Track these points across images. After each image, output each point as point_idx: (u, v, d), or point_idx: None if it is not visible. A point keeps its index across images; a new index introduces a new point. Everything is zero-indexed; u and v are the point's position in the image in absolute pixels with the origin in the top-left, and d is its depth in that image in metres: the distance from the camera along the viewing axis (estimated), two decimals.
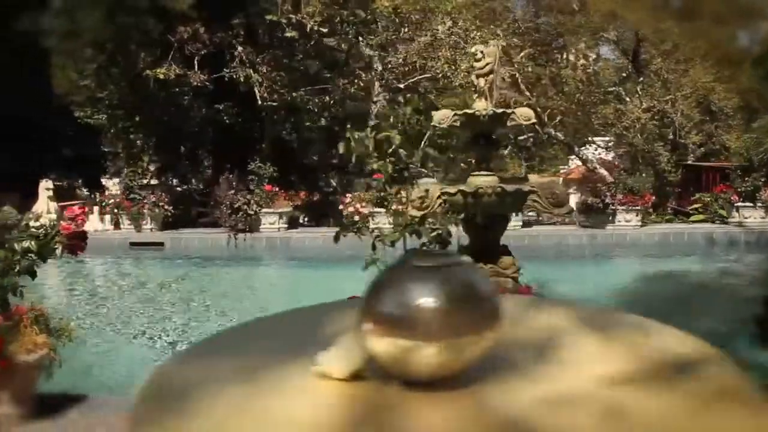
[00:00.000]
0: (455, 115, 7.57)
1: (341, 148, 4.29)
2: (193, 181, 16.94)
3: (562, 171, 25.19)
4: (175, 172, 16.31)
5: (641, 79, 18.82)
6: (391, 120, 4.31)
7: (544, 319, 1.57)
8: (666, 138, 18.52)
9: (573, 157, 21.73)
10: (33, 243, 4.48)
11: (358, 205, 11.40)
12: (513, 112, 7.51)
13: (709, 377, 1.24)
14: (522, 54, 16.99)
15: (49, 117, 14.94)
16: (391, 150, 4.30)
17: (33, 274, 4.65)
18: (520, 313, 1.64)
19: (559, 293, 8.42)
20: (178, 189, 15.99)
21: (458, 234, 8.21)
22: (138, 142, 14.50)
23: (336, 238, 4.20)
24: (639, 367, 1.29)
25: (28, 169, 13.31)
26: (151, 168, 16.17)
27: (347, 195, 11.84)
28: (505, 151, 23.38)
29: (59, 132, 16.02)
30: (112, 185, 14.51)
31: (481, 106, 7.46)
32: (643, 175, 18.59)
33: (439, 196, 7.54)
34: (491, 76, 7.73)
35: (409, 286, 1.22)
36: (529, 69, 16.80)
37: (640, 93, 18.02)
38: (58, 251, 4.53)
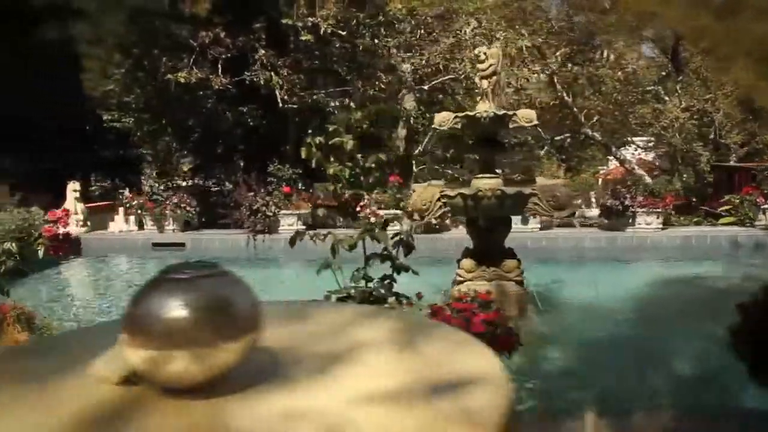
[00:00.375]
0: (456, 117, 7.55)
1: (303, 153, 4.36)
2: (227, 183, 17.23)
3: (601, 171, 24.81)
4: (207, 174, 16.63)
5: (680, 77, 18.34)
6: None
7: (343, 330, 1.57)
8: (707, 138, 18.02)
9: (612, 157, 21.35)
10: (14, 245, 4.65)
11: (374, 207, 11.43)
12: (514, 114, 7.46)
13: (471, 401, 1.23)
14: (558, 53, 16.74)
15: (85, 120, 15.48)
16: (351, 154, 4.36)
17: (20, 275, 4.85)
18: (323, 323, 1.65)
19: (572, 296, 8.28)
20: (212, 190, 16.29)
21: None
22: (167, 145, 14.85)
23: (291, 243, 4.27)
24: (410, 383, 1.29)
25: (58, 171, 13.73)
26: (184, 169, 16.55)
27: (365, 197, 11.87)
28: (542, 152, 23.11)
29: (97, 134, 16.53)
30: (148, 186, 14.81)
31: (484, 108, 7.44)
32: (684, 176, 18.14)
33: (438, 199, 7.54)
34: (494, 77, 7.70)
35: (155, 297, 1.25)
36: (568, 68, 16.53)
37: (679, 92, 17.55)
38: (41, 253, 4.69)
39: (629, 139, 19.97)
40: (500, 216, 7.52)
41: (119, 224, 12.60)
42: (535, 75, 16.11)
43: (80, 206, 12.32)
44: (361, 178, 3.74)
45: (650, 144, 20.20)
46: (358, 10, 13.31)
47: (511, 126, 7.47)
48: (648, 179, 16.76)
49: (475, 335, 3.99)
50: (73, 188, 12.26)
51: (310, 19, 12.81)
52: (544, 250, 10.82)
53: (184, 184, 16.20)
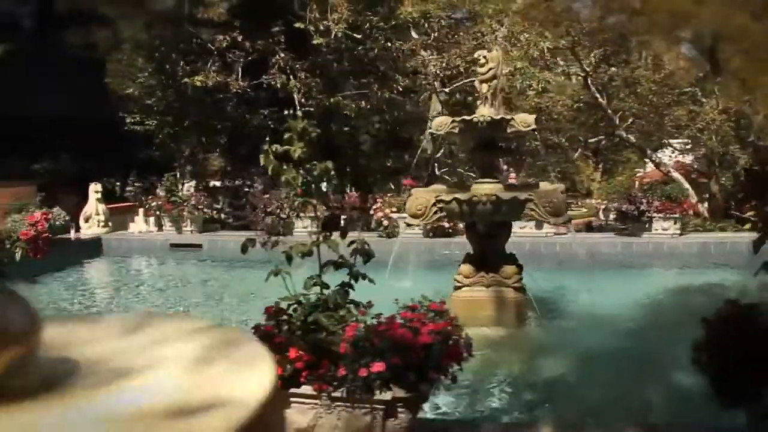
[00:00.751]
0: (453, 121, 7.49)
1: (262, 161, 4.38)
2: (256, 185, 17.42)
3: (638, 174, 24.27)
4: (235, 175, 16.86)
5: (718, 79, 17.80)
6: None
7: (158, 345, 1.59)
8: (745, 140, 17.46)
9: (648, 160, 20.90)
10: None
11: (387, 210, 11.44)
12: (512, 119, 7.36)
13: (197, 425, 1.25)
14: (592, 55, 16.47)
15: (116, 123, 15.87)
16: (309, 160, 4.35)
17: (1, 274, 4.99)
18: (146, 337, 1.66)
19: (577, 303, 8.14)
20: (244, 191, 16.49)
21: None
22: (192, 147, 15.11)
23: (243, 250, 4.31)
24: (166, 404, 1.31)
25: (88, 172, 14.07)
26: (214, 170, 16.80)
27: (377, 200, 11.89)
28: (576, 155, 22.71)
29: (127, 137, 16.91)
30: (186, 187, 14.99)
31: (483, 113, 7.36)
32: (722, 179, 17.59)
33: (434, 204, 7.49)
34: (494, 81, 7.61)
35: None
36: (603, 69, 16.23)
37: (717, 93, 17.05)
38: (18, 255, 4.82)
39: (665, 141, 19.50)
40: (498, 221, 7.43)
41: (139, 225, 12.86)
42: (564, 77, 15.89)
43: (102, 207, 12.61)
44: (313, 186, 3.71)
45: (687, 147, 19.68)
46: (371, 14, 13.28)
47: (509, 130, 7.39)
48: (685, 183, 16.35)
49: (423, 347, 3.96)
50: (95, 189, 12.54)
51: (323, 22, 12.86)
52: (558, 256, 10.67)
53: (212, 185, 16.50)
